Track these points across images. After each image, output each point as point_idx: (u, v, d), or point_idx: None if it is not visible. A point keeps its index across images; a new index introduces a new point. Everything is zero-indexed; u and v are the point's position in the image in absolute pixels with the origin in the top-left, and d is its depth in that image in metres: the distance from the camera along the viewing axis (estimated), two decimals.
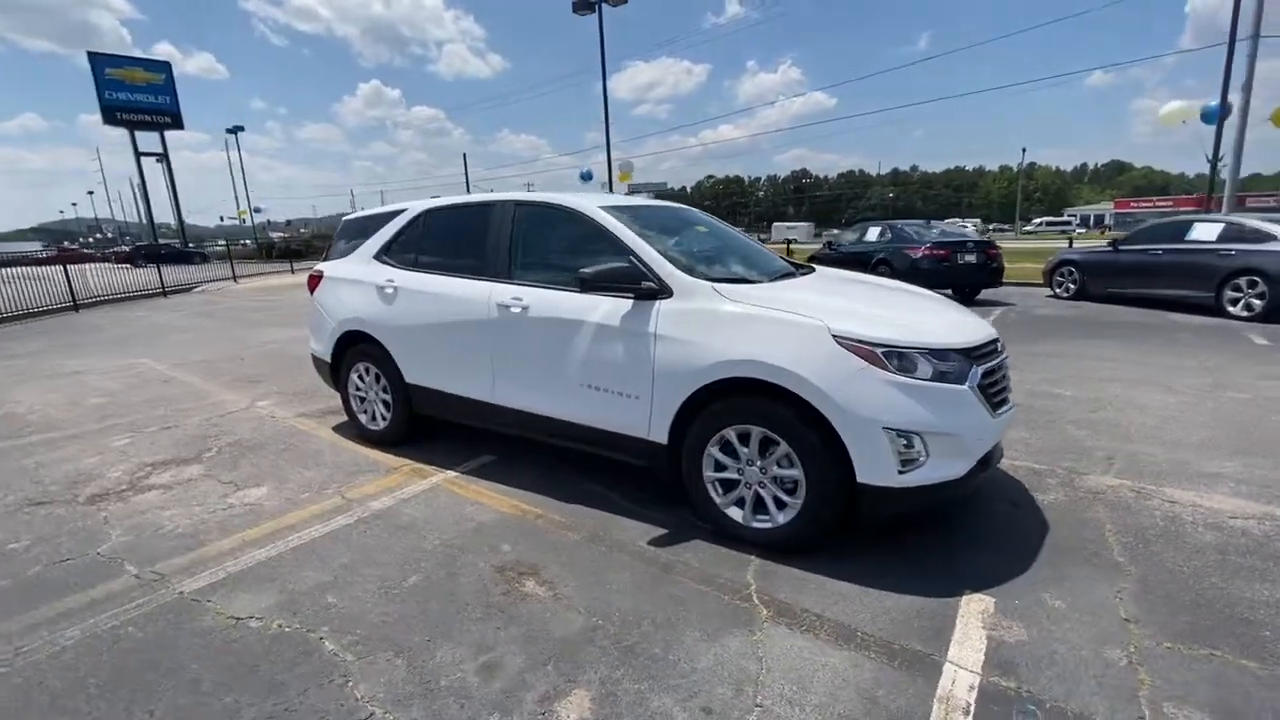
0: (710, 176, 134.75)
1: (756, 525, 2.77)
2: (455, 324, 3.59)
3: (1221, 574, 2.53)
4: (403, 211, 4.13)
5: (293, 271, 22.58)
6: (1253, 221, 8.48)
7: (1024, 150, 74.36)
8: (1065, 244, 16.66)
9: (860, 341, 2.48)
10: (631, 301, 2.97)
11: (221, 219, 74.54)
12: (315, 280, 4.50)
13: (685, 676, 2.03)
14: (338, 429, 4.69)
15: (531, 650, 2.18)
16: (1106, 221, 68.03)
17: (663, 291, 2.91)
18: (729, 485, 2.84)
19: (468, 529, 3.09)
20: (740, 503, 2.81)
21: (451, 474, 3.76)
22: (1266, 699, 1.86)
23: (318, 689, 2.01)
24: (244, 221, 61.26)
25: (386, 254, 4.10)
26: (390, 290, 3.92)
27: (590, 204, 3.34)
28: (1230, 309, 8.35)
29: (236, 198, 59.73)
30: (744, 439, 2.73)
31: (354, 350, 4.25)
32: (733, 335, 2.67)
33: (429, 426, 4.24)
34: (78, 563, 2.86)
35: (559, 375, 3.21)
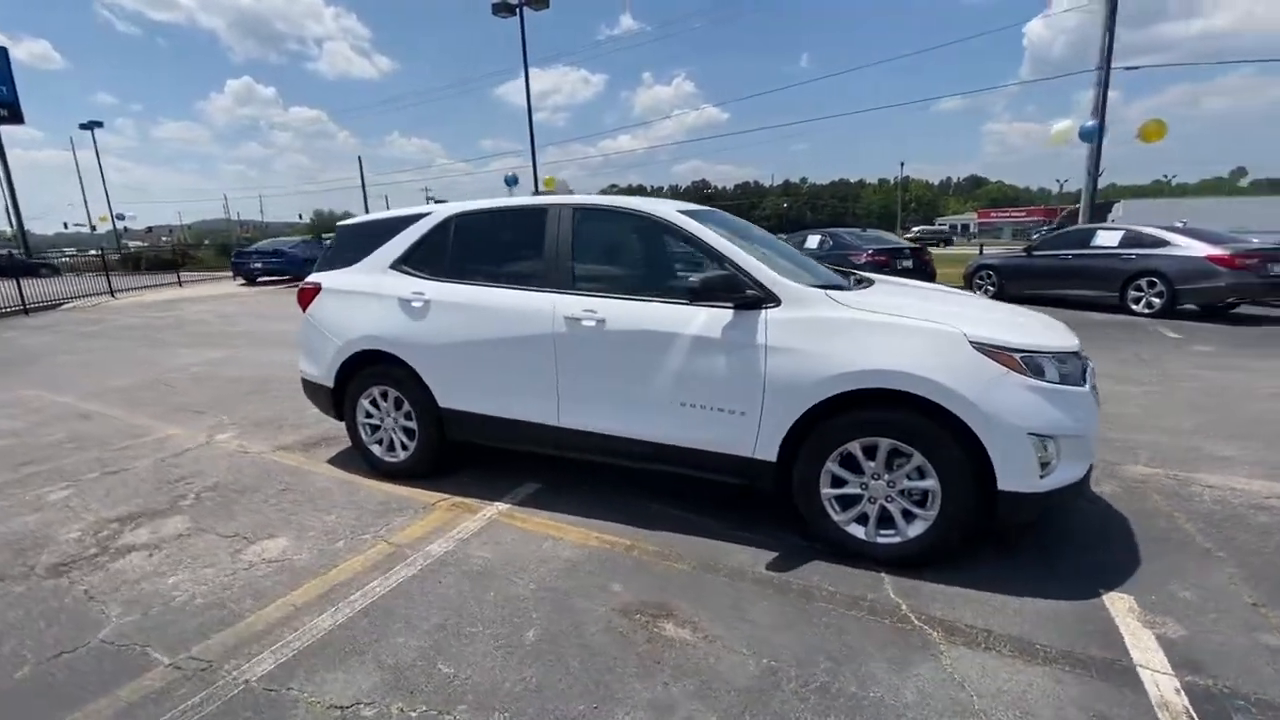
0: (614, 185, 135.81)
1: (882, 541, 2.67)
2: (511, 340, 3.23)
3: None
4: (425, 216, 3.69)
5: (180, 284, 20.06)
6: (1149, 229, 9.62)
7: (902, 164, 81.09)
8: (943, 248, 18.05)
9: (998, 347, 2.46)
10: (732, 311, 2.79)
11: (65, 225, 65.40)
12: (309, 294, 3.93)
13: (901, 715, 1.88)
14: (334, 462, 4.12)
15: (719, 705, 1.94)
16: (972, 230, 75.61)
17: (769, 300, 2.76)
18: (848, 501, 2.73)
19: (559, 568, 2.76)
20: (862, 519, 2.71)
21: (502, 506, 3.39)
22: None
23: None
24: (95, 229, 54.06)
25: (407, 263, 3.64)
26: (419, 304, 3.48)
27: (669, 209, 3.12)
28: (1134, 307, 9.41)
29: (87, 202, 52.87)
30: (868, 452, 2.63)
31: (366, 373, 3.74)
32: (863, 344, 2.56)
33: (449, 456, 3.81)
34: (81, 655, 2.26)
35: (645, 393, 2.96)
